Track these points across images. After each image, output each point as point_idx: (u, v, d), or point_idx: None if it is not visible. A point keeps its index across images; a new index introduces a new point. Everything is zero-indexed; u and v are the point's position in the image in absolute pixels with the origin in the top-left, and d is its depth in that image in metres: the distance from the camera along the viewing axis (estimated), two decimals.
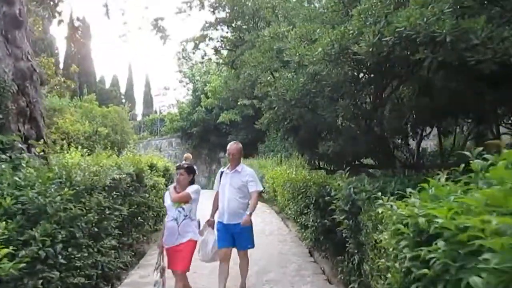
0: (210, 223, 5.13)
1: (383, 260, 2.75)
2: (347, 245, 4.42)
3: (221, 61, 14.68)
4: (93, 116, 15.82)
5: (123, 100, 47.95)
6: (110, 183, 5.78)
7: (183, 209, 4.50)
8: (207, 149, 25.06)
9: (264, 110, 6.32)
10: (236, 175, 5.14)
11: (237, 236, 5.13)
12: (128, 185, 6.71)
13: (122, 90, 49.08)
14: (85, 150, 11.53)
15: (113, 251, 5.69)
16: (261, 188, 5.27)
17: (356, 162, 6.31)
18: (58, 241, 3.94)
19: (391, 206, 2.68)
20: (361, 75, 5.13)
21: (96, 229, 5.00)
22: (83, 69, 41.28)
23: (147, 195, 8.12)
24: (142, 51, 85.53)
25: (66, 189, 4.33)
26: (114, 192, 5.89)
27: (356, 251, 4.03)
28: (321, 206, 5.62)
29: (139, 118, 41.98)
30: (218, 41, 15.14)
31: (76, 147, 10.74)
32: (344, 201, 4.01)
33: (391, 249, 2.38)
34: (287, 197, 7.93)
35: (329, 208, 5.01)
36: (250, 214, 4.94)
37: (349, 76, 4.79)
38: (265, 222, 10.70)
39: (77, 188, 4.68)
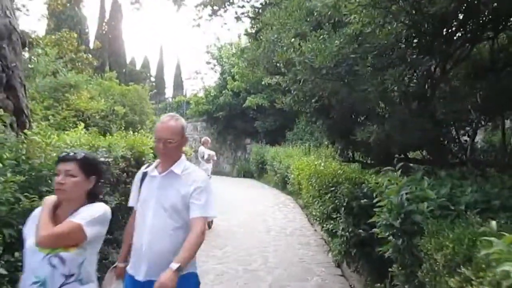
0: (119, 273, 2.66)
1: None
2: (391, 270, 3.11)
3: (243, 33, 13.08)
4: (111, 94, 14.91)
5: (153, 83, 47.82)
6: None
7: (62, 260, 2.02)
8: (233, 135, 23.91)
9: (288, 85, 5.02)
10: (172, 181, 2.54)
11: None
12: (121, 170, 5.62)
13: (153, 72, 48.78)
14: (95, 129, 10.50)
15: None
16: (214, 214, 2.63)
17: (401, 156, 4.94)
18: None
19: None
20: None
21: None
22: (113, 50, 41.00)
23: None
24: (174, 34, 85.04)
25: (10, 175, 3.22)
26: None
27: None
28: (355, 211, 4.31)
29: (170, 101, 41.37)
30: (239, 6, 13.59)
31: (86, 126, 9.76)
32: (392, 212, 2.70)
33: None
34: (312, 194, 6.62)
35: (365, 213, 3.73)
36: (178, 269, 2.17)
37: (403, 35, 3.44)
38: (288, 219, 9.46)
39: (33, 174, 3.58)
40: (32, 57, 13.68)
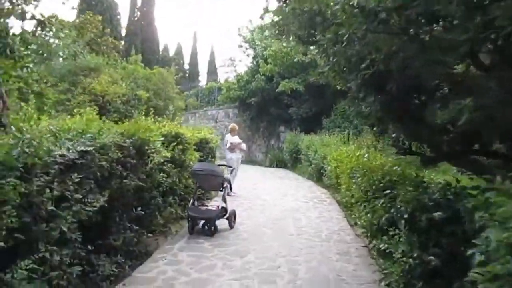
0: None
1: None
2: None
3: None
4: (134, 78, 14.01)
5: (187, 70, 47.10)
6: (67, 160, 3.58)
7: None
8: (266, 122, 22.61)
9: (326, 51, 3.68)
10: None
11: None
12: (115, 162, 4.51)
13: (186, 59, 48.10)
14: (115, 115, 9.46)
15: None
16: None
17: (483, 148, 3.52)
18: None
19: None
20: None
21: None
22: (146, 36, 40.51)
23: (158, 175, 5.93)
24: (208, 20, 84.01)
25: None
26: (76, 175, 3.67)
27: None
28: (423, 226, 2.95)
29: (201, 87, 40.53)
30: None
31: (105, 112, 8.75)
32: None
33: None
34: (356, 195, 5.24)
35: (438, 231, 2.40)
36: None
37: None
38: (323, 218, 8.13)
39: None
40: (47, 38, 12.91)
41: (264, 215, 8.21)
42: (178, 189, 7.24)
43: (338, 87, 5.14)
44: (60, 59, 11.67)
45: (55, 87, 11.12)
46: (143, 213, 5.25)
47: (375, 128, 4.67)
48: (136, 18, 39.42)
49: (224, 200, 6.89)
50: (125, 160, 4.78)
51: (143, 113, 10.55)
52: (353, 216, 6.94)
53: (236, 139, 11.02)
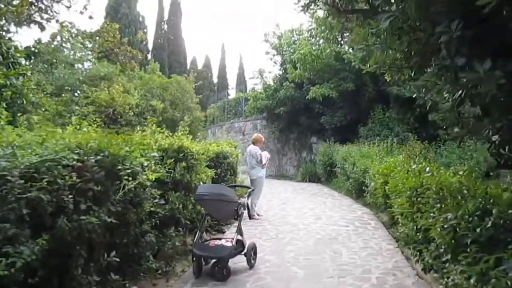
0: None
1: None
2: None
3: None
4: (149, 88, 12.75)
5: (215, 82, 46.16)
6: None
7: None
8: (296, 133, 20.90)
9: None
10: None
11: None
12: (67, 190, 3.04)
13: (215, 72, 47.27)
14: (126, 128, 8.11)
15: None
16: None
17: None
18: None
19: None
20: None
21: None
22: (173, 49, 39.96)
23: (148, 203, 4.42)
24: (237, 32, 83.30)
25: None
26: None
27: None
28: None
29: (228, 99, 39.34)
30: None
31: (115, 124, 7.46)
32: None
33: None
34: (433, 233, 3.36)
35: None
36: None
37: None
38: (370, 250, 6.38)
39: None
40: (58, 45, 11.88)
41: (294, 247, 6.55)
42: (183, 217, 5.72)
43: (390, 78, 3.55)
44: (64, 66, 10.55)
45: (58, 97, 9.96)
46: (117, 259, 3.71)
47: (456, 130, 2.98)
48: (163, 32, 38.96)
49: (240, 232, 5.31)
50: (85, 186, 3.30)
51: (152, 125, 9.24)
52: (413, 249, 5.17)
53: (266, 152, 9.42)
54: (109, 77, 12.00)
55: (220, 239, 5.54)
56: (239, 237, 5.33)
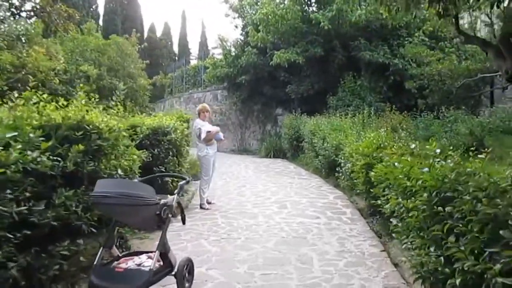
0: None
1: None
2: None
3: None
4: (82, 51, 10.54)
5: (176, 51, 43.29)
6: None
7: None
8: (260, 104, 19.11)
9: None
10: None
11: None
12: None
13: (175, 40, 44.34)
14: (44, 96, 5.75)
15: None
16: None
17: None
18: None
19: None
20: None
21: None
22: (128, 14, 36.86)
23: None
24: None
25: None
26: None
27: None
28: None
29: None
30: None
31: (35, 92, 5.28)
32: None
33: None
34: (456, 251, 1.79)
35: None
36: None
37: None
38: (349, 254, 4.82)
39: None
40: None
41: (249, 254, 4.90)
42: (85, 223, 3.91)
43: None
44: None
45: None
46: None
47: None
48: None
49: (164, 246, 3.56)
50: None
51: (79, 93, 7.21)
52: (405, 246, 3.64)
53: (209, 125, 7.59)
54: (30, 38, 9.72)
55: (138, 254, 3.79)
56: (165, 253, 3.60)
